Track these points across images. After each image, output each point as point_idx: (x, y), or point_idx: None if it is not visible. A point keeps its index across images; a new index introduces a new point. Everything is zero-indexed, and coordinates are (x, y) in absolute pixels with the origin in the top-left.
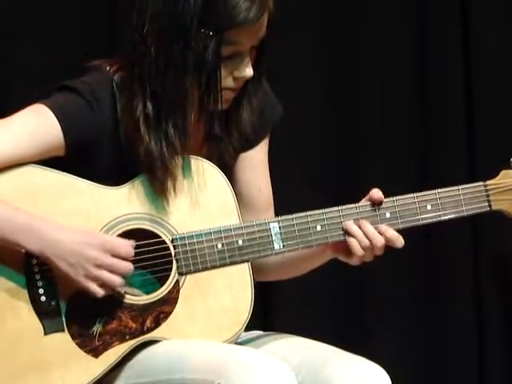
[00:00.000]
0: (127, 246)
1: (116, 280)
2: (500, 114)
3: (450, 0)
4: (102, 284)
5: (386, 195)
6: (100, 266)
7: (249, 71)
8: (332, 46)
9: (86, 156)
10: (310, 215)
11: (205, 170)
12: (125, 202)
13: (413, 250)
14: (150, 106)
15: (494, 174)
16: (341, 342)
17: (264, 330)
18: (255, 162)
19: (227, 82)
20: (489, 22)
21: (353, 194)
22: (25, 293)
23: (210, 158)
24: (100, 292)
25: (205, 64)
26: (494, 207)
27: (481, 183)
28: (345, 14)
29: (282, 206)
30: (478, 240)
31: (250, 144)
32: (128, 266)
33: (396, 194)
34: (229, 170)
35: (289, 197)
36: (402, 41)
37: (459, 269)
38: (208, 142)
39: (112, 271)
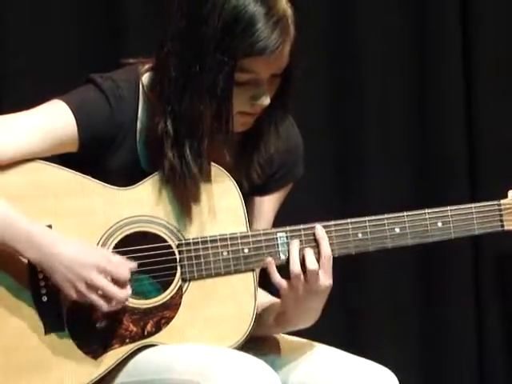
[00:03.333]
0: (124, 268)
1: (103, 305)
2: (501, 114)
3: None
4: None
5: (386, 196)
6: (91, 287)
7: (265, 100)
8: (330, 45)
9: (99, 154)
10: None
11: (216, 176)
12: (133, 203)
13: (413, 250)
14: (169, 124)
15: (495, 176)
16: (339, 344)
17: None
18: (256, 209)
19: (244, 106)
20: (489, 20)
21: (353, 199)
22: (27, 291)
23: (237, 173)
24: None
25: (216, 89)
26: (506, 227)
27: (495, 202)
28: (343, 13)
29: (285, 213)
30: (478, 240)
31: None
32: (119, 295)
33: (396, 197)
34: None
35: (290, 202)
36: (401, 40)
37: (459, 269)
38: (237, 158)
39: (103, 295)
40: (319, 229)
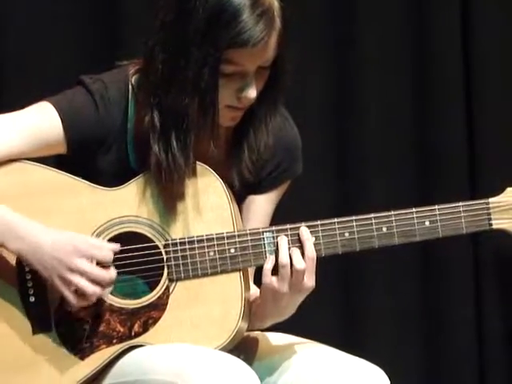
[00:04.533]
0: (106, 250)
1: (89, 288)
2: (501, 113)
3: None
4: (80, 293)
5: (386, 196)
6: (75, 272)
7: (251, 92)
8: (330, 44)
9: (90, 156)
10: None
11: (202, 176)
12: (121, 204)
13: (413, 250)
14: (155, 116)
15: (495, 179)
16: (340, 344)
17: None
18: (254, 208)
19: (230, 100)
20: (489, 19)
21: (353, 199)
22: (15, 291)
23: (228, 171)
24: (73, 300)
25: (201, 81)
26: (494, 226)
27: (483, 201)
28: (343, 12)
29: (285, 214)
30: (478, 239)
31: (258, 188)
32: (104, 276)
33: (395, 197)
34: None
35: (290, 203)
36: (401, 40)
37: (459, 269)
38: (228, 155)
39: (88, 278)
40: (303, 230)
